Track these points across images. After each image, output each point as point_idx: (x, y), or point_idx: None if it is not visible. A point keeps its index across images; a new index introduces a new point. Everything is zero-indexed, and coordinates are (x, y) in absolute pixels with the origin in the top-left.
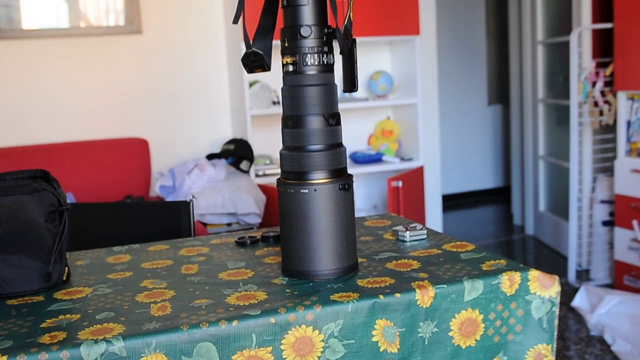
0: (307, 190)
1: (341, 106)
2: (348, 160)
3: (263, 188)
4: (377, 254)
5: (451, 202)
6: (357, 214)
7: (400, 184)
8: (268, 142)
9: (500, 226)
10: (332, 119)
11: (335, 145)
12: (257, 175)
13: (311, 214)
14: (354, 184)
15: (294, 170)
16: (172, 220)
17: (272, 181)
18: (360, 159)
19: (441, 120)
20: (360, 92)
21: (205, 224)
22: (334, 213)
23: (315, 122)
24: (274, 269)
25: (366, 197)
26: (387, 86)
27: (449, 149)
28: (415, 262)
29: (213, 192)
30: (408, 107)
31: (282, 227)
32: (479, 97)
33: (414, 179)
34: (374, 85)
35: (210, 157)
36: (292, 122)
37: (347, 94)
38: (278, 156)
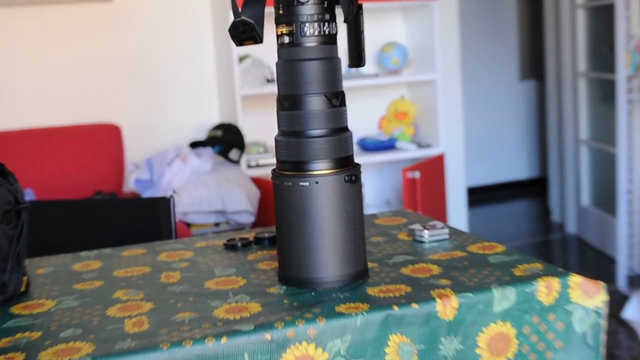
0: (307, 183)
1: (346, 84)
2: (355, 148)
3: (256, 181)
4: (391, 258)
5: (478, 196)
6: (367, 211)
7: (417, 175)
8: (262, 127)
9: (535, 224)
10: (336, 99)
11: (339, 130)
12: (249, 166)
13: (312, 211)
14: (362, 175)
15: (291, 159)
16: (149, 219)
17: (266, 173)
18: (370, 146)
19: (465, 100)
20: (369, 68)
21: (188, 224)
22: (339, 209)
23: (315, 103)
24: (270, 276)
25: (377, 191)
26: (400, 60)
27: (475, 134)
28: (436, 266)
29: (198, 187)
30: (425, 85)
31: (279, 226)
32: (509, 71)
33: (433, 169)
34: (385, 59)
35: (195, 145)
36: (289, 103)
37: (353, 70)
38: (273, 143)
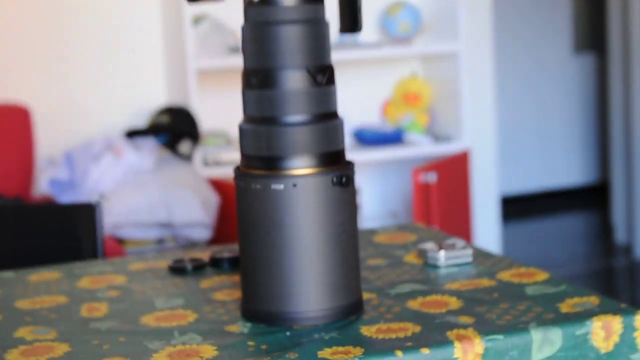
0: (281, 186)
1: (336, 56)
2: (349, 140)
3: (215, 184)
4: (394, 287)
5: (514, 208)
6: (364, 224)
7: (432, 178)
8: (223, 112)
9: (592, 245)
10: (322, 75)
11: (326, 116)
12: (205, 164)
13: (288, 224)
14: (357, 177)
15: (261, 154)
16: (67, 233)
17: (228, 173)
18: (370, 139)
19: (498, 79)
20: (369, 35)
21: (121, 240)
22: (325, 222)
23: (294, 80)
24: (230, 310)
25: (378, 199)
26: (411, 25)
27: (511, 124)
28: (454, 299)
29: (135, 190)
30: (444, 58)
31: (244, 244)
32: (559, 41)
33: (454, 171)
34: (391, 24)
35: (132, 134)
36: (259, 79)
37: (347, 37)
38: (237, 133)
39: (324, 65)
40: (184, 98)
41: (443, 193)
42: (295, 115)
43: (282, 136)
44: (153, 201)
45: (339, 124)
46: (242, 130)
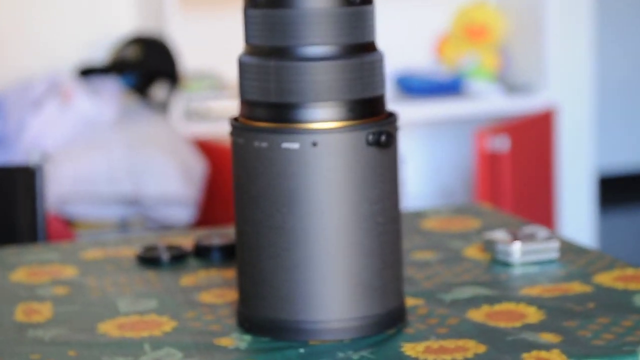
0: (297, 145)
1: None
2: (391, 88)
3: (201, 145)
4: (450, 290)
5: (616, 189)
6: (409, 203)
7: (504, 143)
8: (212, 44)
9: None
10: None
11: (360, 48)
12: (187, 117)
13: (305, 199)
14: (401, 137)
15: (269, 99)
16: None
17: (220, 129)
18: (418, 87)
19: (601, 11)
20: None
21: (70, 219)
22: (356, 197)
23: None
24: (222, 317)
25: (428, 170)
26: None
27: (615, 76)
28: (534, 309)
29: (89, 151)
30: None
31: (242, 227)
32: None
33: (534, 136)
34: None
35: (87, 73)
36: None
37: None
38: (232, 74)
39: None
40: (159, 24)
41: (518, 165)
42: (318, 45)
43: (298, 75)
44: (114, 166)
45: (378, 59)
46: (242, 66)
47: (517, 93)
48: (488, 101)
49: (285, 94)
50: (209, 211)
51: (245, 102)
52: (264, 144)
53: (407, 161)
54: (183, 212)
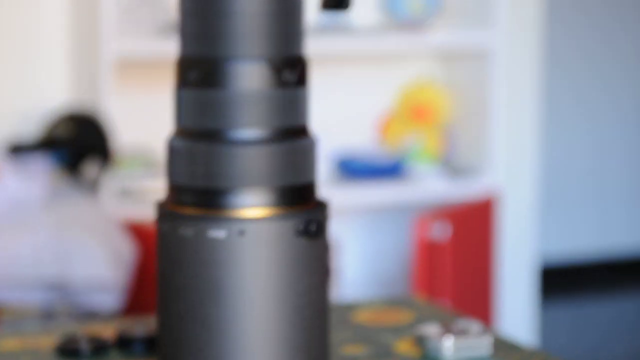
0: (223, 234)
1: (315, 44)
2: (328, 172)
3: (132, 228)
4: None
5: (558, 281)
6: (344, 294)
7: (445, 231)
8: (147, 121)
9: None
10: (290, 71)
11: (292, 132)
12: (119, 197)
13: (230, 292)
14: (334, 226)
15: (196, 184)
16: None
17: (151, 212)
18: (359, 170)
19: (549, 90)
20: (364, 15)
21: None
22: (284, 290)
23: (249, 76)
24: None
25: (364, 260)
26: (425, 4)
27: (562, 160)
28: None
29: (15, 232)
30: (471, 56)
31: (163, 318)
32: (631, 48)
33: (475, 224)
34: (397, 2)
35: (16, 150)
36: (200, 73)
37: (331, 18)
38: (164, 153)
39: (293, 56)
40: (93, 98)
41: (459, 254)
42: (248, 128)
43: (226, 159)
44: (39, 248)
45: (309, 144)
46: (170, 148)
47: (460, 177)
48: (430, 185)
49: (212, 178)
50: (138, 297)
51: (172, 186)
52: (190, 232)
53: (344, 248)
54: (110, 298)
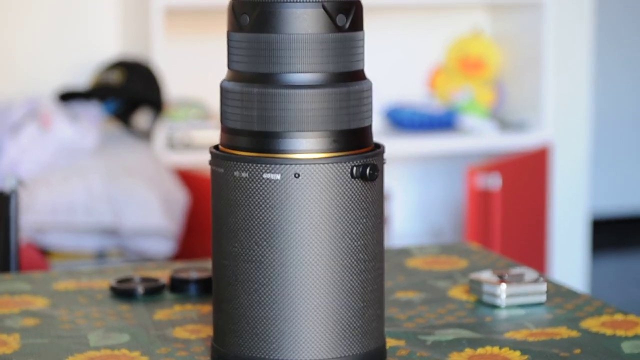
0: (278, 176)
1: None
2: (379, 121)
3: (184, 176)
4: (432, 333)
5: (610, 233)
6: (393, 241)
7: (495, 181)
8: (199, 71)
9: None
10: (345, 15)
11: (348, 77)
12: (171, 146)
13: (284, 232)
14: (387, 171)
15: (250, 128)
16: None
17: (203, 160)
18: (408, 121)
19: (603, 44)
20: None
21: (45, 249)
22: (338, 232)
23: (303, 20)
24: (196, 353)
25: (416, 207)
26: None
27: (613, 114)
28: (518, 353)
29: (68, 179)
30: (523, 8)
31: (218, 260)
32: None
33: (527, 174)
34: None
35: (67, 97)
36: (253, 17)
37: None
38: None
39: (348, 0)
40: (144, 48)
41: (509, 204)
42: (303, 72)
43: (281, 103)
44: (93, 196)
45: (365, 88)
46: (223, 92)
47: (511, 130)
48: (481, 137)
49: (268, 122)
50: (190, 243)
51: (226, 130)
52: (244, 174)
53: (394, 197)
54: (163, 245)
